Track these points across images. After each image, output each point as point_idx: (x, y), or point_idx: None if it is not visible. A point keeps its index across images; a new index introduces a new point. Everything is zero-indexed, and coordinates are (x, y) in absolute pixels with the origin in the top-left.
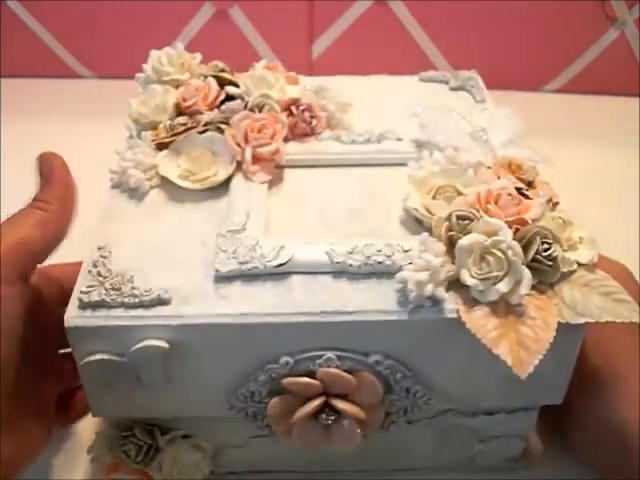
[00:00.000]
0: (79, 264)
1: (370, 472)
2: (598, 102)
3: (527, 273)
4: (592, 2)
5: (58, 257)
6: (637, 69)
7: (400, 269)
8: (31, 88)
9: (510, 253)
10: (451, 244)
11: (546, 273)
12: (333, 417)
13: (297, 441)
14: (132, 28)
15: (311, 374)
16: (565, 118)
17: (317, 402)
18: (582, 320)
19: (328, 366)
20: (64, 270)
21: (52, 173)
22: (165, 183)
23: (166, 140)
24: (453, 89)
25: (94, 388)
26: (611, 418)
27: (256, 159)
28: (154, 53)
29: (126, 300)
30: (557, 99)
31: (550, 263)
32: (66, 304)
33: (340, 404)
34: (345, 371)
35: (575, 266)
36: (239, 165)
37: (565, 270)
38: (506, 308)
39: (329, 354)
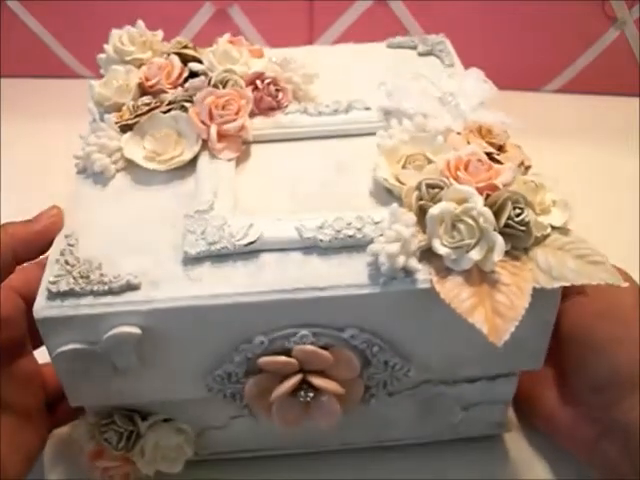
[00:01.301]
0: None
1: (353, 450)
2: (598, 102)
3: (499, 239)
4: (592, 2)
5: None
6: (637, 69)
7: (371, 241)
8: (31, 88)
9: (481, 220)
10: (422, 213)
11: (519, 238)
12: (312, 394)
13: (277, 419)
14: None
15: (286, 352)
16: (565, 118)
17: (294, 380)
18: (557, 284)
19: (303, 343)
20: (27, 278)
21: (36, 217)
22: (131, 166)
23: (130, 122)
24: (421, 54)
25: (69, 378)
26: (621, 419)
27: (222, 136)
28: (115, 32)
29: (95, 288)
30: (557, 99)
31: (523, 228)
32: None
33: (317, 381)
34: (321, 347)
35: (549, 229)
36: (205, 143)
37: (539, 234)
38: (480, 276)
39: (304, 331)
